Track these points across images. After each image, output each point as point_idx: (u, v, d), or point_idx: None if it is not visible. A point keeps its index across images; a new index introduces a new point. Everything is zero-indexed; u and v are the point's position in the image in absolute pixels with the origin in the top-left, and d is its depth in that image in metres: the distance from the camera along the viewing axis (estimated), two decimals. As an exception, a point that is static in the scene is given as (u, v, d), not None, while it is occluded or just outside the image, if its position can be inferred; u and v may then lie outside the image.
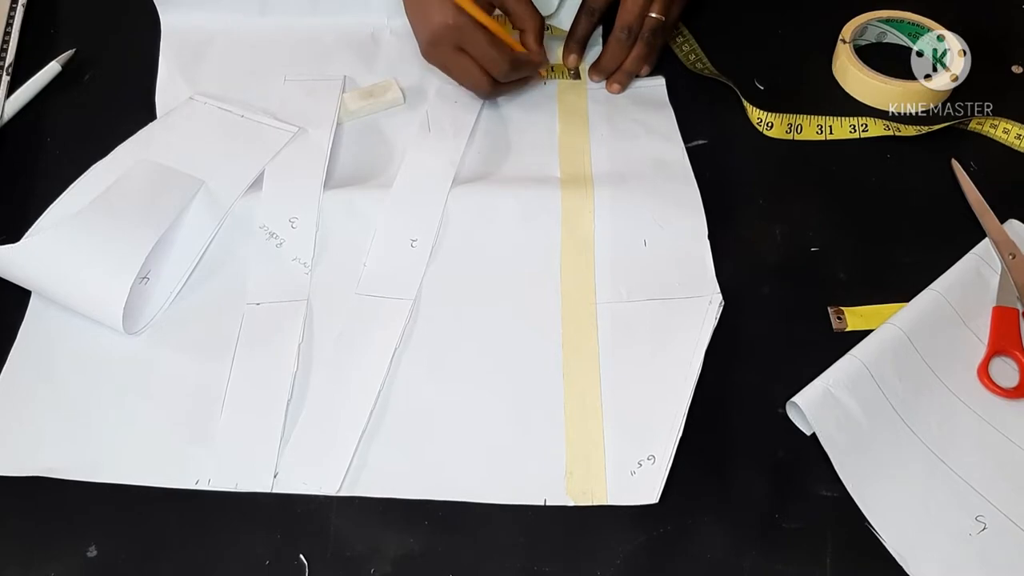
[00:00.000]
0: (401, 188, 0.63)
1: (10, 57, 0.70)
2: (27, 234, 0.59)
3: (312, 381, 0.55)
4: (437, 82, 0.70)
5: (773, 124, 0.68)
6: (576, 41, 0.71)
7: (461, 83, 0.67)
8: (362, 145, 0.67)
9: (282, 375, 0.54)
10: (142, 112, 0.68)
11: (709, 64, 0.72)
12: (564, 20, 0.73)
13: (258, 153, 0.64)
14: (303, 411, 0.54)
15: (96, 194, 0.59)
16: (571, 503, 0.51)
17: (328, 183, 0.63)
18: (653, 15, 0.67)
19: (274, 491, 0.51)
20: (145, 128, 0.66)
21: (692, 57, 0.73)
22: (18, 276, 0.57)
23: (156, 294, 0.58)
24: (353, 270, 0.60)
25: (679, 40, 0.74)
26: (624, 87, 0.71)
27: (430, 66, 0.67)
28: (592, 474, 0.51)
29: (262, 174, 0.63)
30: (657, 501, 0.50)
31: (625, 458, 0.52)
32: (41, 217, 0.60)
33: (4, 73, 0.69)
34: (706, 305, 0.57)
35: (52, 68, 0.70)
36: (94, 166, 0.63)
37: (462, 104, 0.69)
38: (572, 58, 0.71)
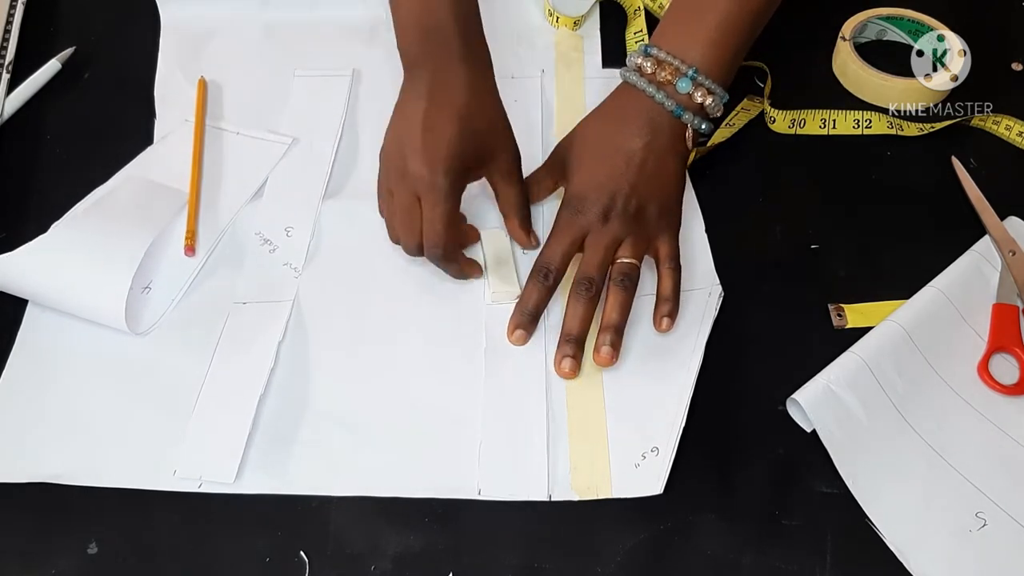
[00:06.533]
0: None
1: (10, 55, 0.70)
2: None
3: (307, 379, 0.55)
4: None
5: (776, 119, 0.68)
6: (526, 314, 0.56)
7: (391, 226, 0.59)
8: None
9: (259, 371, 0.54)
10: (142, 109, 0.68)
11: None
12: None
13: (256, 169, 0.64)
14: (305, 409, 0.54)
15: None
16: (576, 498, 0.51)
17: (328, 183, 0.64)
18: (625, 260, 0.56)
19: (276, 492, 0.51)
20: (142, 154, 0.65)
21: None
22: (13, 285, 0.56)
23: (156, 303, 0.58)
24: (347, 275, 0.60)
25: None
26: (614, 350, 0.55)
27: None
28: (596, 469, 0.51)
29: (264, 184, 0.64)
30: (662, 491, 0.50)
31: (629, 451, 0.52)
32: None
33: (4, 71, 0.69)
34: (706, 297, 0.57)
35: (52, 66, 0.70)
36: (92, 192, 0.62)
37: (522, 103, 0.68)
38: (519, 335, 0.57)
